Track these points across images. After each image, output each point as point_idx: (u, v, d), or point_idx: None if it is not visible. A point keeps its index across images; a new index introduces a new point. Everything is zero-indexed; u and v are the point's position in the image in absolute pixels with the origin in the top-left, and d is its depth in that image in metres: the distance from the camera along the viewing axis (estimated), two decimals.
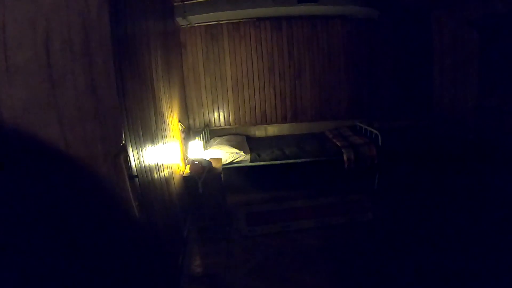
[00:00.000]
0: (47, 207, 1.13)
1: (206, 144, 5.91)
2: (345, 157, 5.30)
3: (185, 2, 5.48)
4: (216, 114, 6.64)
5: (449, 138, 6.14)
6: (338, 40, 6.64)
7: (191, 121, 6.54)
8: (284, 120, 6.79)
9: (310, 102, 6.76)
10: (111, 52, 1.78)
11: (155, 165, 3.18)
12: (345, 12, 6.15)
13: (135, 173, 2.07)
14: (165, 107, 4.01)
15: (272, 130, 6.83)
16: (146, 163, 2.86)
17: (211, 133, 6.58)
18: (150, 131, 3.16)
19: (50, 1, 1.24)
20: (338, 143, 5.61)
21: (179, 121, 4.88)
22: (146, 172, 2.81)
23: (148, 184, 2.83)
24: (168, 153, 3.85)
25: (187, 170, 4.42)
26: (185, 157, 4.89)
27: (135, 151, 2.44)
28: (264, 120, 6.76)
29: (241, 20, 6.34)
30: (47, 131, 1.15)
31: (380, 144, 5.35)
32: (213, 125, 6.68)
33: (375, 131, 5.55)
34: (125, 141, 1.95)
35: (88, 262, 1.33)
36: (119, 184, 1.68)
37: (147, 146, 2.96)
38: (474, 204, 4.62)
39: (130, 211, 1.78)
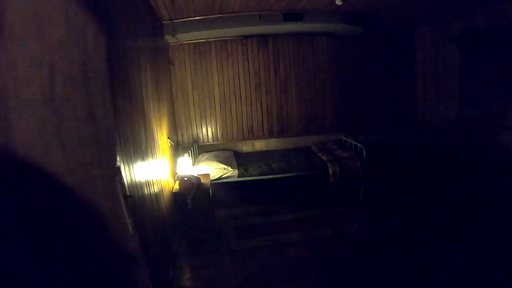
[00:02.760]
0: (47, 226, 1.23)
1: (195, 160, 5.97)
2: (330, 171, 5.43)
3: (174, 21, 5.56)
4: (204, 130, 6.73)
5: (432, 150, 6.28)
6: (323, 56, 6.81)
7: (179, 137, 6.61)
8: (271, 135, 6.91)
9: (296, 117, 6.89)
10: (107, 81, 1.90)
11: (145, 182, 3.23)
12: (330, 29, 6.27)
13: (129, 193, 2.16)
14: (154, 124, 4.05)
15: (259, 145, 6.93)
16: (137, 180, 2.91)
17: (200, 149, 6.66)
18: (141, 149, 3.22)
19: (54, 39, 1.35)
20: (323, 157, 5.73)
21: (168, 138, 4.95)
22: (137, 189, 2.87)
23: (139, 200, 2.88)
24: (157, 169, 3.88)
25: (177, 186, 4.51)
26: (174, 173, 4.97)
27: (127, 169, 2.52)
28: (251, 136, 6.86)
29: (228, 38, 6.47)
30: (52, 157, 1.26)
31: (364, 157, 5.47)
32: (201, 141, 6.75)
33: (359, 144, 5.68)
34: (120, 163, 2.05)
35: (82, 274, 1.42)
36: (115, 204, 1.78)
37: (137, 163, 3.00)
38: (459, 214, 4.71)
39: (125, 229, 1.88)
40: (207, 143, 6.78)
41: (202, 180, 4.57)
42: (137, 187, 2.88)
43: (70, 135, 1.37)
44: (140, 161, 3.13)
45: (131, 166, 2.76)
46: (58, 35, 1.40)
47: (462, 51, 5.65)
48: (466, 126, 5.70)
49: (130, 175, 2.65)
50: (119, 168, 1.98)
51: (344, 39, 6.79)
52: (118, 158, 2.00)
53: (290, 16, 5.60)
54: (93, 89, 1.67)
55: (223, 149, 6.70)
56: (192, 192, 4.24)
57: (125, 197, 1.91)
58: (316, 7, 5.42)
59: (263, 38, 6.60)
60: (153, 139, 3.92)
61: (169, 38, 5.84)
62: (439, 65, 6.42)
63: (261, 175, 5.53)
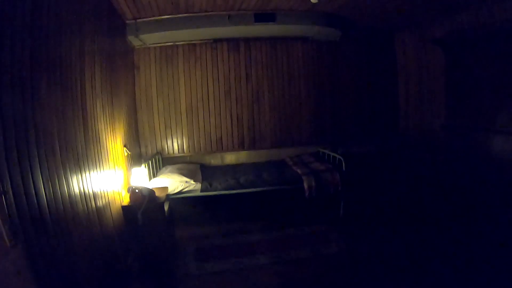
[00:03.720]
0: None
1: (157, 173, 5.48)
2: (305, 185, 4.98)
3: (138, 20, 5.17)
4: (169, 141, 6.21)
5: (417, 160, 6.01)
6: (298, 63, 6.46)
7: (143, 148, 6.06)
8: (241, 147, 6.44)
9: (269, 128, 6.46)
10: None
11: (80, 192, 2.74)
12: (306, 33, 6.00)
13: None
14: (103, 129, 3.62)
15: (229, 158, 6.45)
16: (64, 189, 2.43)
17: (165, 161, 6.13)
18: (75, 151, 2.74)
19: None
20: (298, 171, 5.29)
21: (125, 146, 4.43)
22: (63, 199, 2.39)
23: (65, 213, 2.40)
24: (104, 180, 3.42)
25: (128, 199, 3.94)
26: (129, 185, 4.42)
27: (38, 171, 2.06)
28: (220, 148, 6.38)
29: (197, 42, 6.06)
30: None
31: (344, 170, 5.08)
32: (167, 153, 6.23)
33: (338, 156, 5.30)
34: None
35: None
36: None
37: (69, 168, 2.55)
38: (448, 230, 4.41)
39: None
40: (172, 155, 6.25)
41: (157, 193, 4.01)
42: (63, 196, 2.41)
43: None
44: (73, 167, 2.66)
45: (54, 169, 2.32)
46: None
47: (446, 54, 5.42)
48: (453, 133, 5.45)
49: (50, 180, 2.23)
50: None
51: (321, 44, 6.47)
52: None
53: (261, 16, 5.29)
54: None
55: (189, 162, 6.17)
56: (143, 206, 3.66)
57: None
58: (289, 6, 5.10)
59: (234, 42, 6.20)
60: (100, 144, 3.45)
61: (132, 39, 5.43)
62: (422, 70, 6.19)
63: (227, 190, 5.02)
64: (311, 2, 4.71)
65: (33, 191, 1.97)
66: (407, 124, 6.73)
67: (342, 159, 5.15)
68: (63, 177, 2.41)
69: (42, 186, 2.09)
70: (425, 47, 6.01)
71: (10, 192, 1.67)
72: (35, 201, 1.98)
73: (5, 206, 1.54)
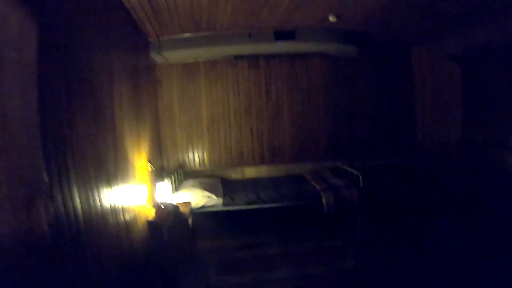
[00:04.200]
0: None
1: (178, 186, 5.59)
2: (324, 201, 5.04)
3: (161, 38, 5.30)
4: (190, 155, 6.35)
5: (434, 175, 5.94)
6: (317, 79, 6.54)
7: (164, 162, 6.21)
8: (262, 161, 6.53)
9: (289, 142, 6.55)
10: (35, 79, 1.49)
11: (111, 208, 2.85)
12: (324, 50, 6.04)
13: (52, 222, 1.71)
14: (129, 145, 3.72)
15: (249, 172, 6.54)
16: (98, 206, 2.54)
17: (186, 175, 6.25)
18: (106, 171, 2.84)
19: None
20: (317, 186, 5.36)
21: (149, 161, 4.56)
22: (97, 217, 2.49)
23: (98, 230, 2.51)
24: (131, 195, 3.52)
25: (153, 214, 4.07)
26: (153, 200, 4.55)
27: (76, 192, 2.15)
28: (241, 162, 6.48)
29: (218, 58, 6.20)
30: None
31: (361, 185, 5.12)
32: (188, 166, 6.36)
33: (355, 172, 5.33)
34: (49, 183, 1.61)
35: None
36: (35, 234, 1.35)
37: (100, 187, 2.64)
38: (466, 248, 4.33)
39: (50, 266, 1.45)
40: (194, 169, 6.38)
41: (181, 209, 4.14)
42: (96, 214, 2.51)
43: None
44: (104, 184, 2.76)
45: (89, 189, 2.41)
46: None
47: (463, 70, 5.39)
48: (470, 149, 5.40)
49: (86, 199, 2.32)
50: (44, 190, 1.52)
51: (339, 60, 6.54)
52: (45, 177, 1.55)
53: (281, 34, 5.36)
54: (8, 87, 1.26)
55: (210, 176, 6.28)
56: (169, 222, 3.79)
57: (51, 226, 1.47)
58: (309, 24, 5.15)
59: (254, 59, 6.33)
60: (127, 161, 3.54)
61: (155, 56, 5.56)
62: (439, 86, 6.19)
63: (248, 205, 5.13)
64: (329, 20, 4.81)
65: (72, 212, 2.09)
66: (424, 139, 6.72)
67: (359, 174, 5.19)
68: (94, 195, 2.54)
69: (80, 205, 2.20)
70: (442, 62, 6.01)
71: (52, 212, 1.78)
72: (74, 220, 2.10)
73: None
